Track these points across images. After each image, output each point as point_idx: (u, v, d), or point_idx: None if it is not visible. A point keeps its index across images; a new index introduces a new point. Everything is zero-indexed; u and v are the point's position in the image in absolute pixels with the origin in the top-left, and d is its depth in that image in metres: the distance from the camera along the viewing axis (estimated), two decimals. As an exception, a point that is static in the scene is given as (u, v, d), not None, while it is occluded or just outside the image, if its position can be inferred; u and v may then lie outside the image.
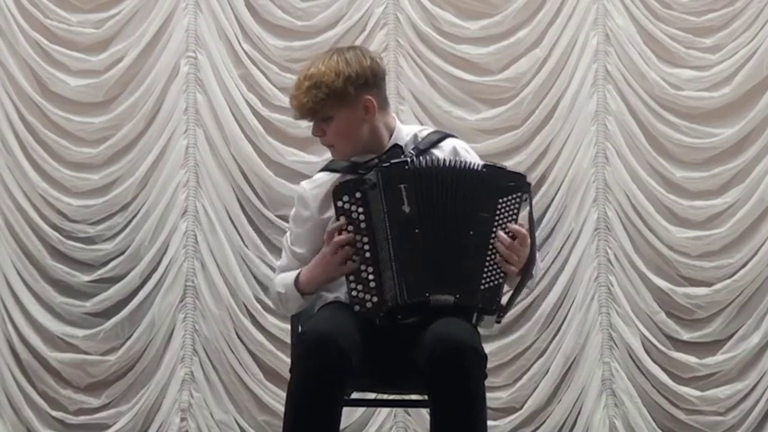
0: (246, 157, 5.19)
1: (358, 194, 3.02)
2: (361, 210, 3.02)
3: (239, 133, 5.20)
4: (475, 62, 5.27)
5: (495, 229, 3.01)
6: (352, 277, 3.01)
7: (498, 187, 3.04)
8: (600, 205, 5.21)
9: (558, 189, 5.19)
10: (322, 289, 3.18)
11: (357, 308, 2.99)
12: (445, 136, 3.23)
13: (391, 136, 3.17)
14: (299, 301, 3.18)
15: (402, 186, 3.01)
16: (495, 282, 3.01)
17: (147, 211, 5.18)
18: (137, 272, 5.15)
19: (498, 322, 3.08)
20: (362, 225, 3.02)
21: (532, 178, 5.16)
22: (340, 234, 3.02)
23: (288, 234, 3.28)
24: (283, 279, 3.21)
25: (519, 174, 3.11)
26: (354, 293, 3.00)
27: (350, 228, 3.02)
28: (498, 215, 3.02)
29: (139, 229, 5.18)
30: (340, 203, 3.03)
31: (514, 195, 3.04)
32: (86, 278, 5.17)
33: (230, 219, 5.17)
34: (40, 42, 5.23)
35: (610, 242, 5.19)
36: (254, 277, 5.13)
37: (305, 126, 5.12)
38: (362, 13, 5.24)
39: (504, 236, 3.01)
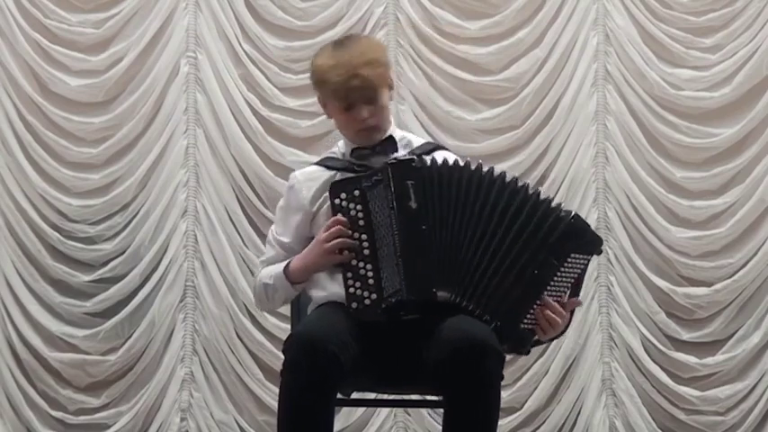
0: (246, 157, 5.19)
1: (356, 192, 2.99)
2: (359, 207, 2.99)
3: (239, 133, 5.20)
4: (475, 62, 5.27)
5: (556, 278, 2.97)
6: (349, 274, 2.96)
7: (578, 242, 2.99)
8: (600, 205, 5.21)
9: (558, 189, 5.18)
10: (314, 286, 3.14)
11: (355, 305, 2.94)
12: (436, 147, 3.24)
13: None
14: (288, 291, 3.11)
15: (409, 183, 2.99)
16: (534, 325, 2.98)
17: (147, 211, 5.18)
18: (137, 272, 5.15)
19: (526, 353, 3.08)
20: (361, 223, 2.98)
21: (532, 178, 5.17)
22: (340, 224, 2.99)
23: (273, 226, 3.25)
24: (270, 270, 3.16)
25: (599, 237, 3.07)
26: (352, 290, 2.95)
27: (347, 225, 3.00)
28: (566, 267, 2.98)
29: (139, 229, 5.18)
30: (337, 201, 3.00)
31: (587, 256, 3.01)
32: (86, 278, 5.17)
33: (230, 219, 5.17)
34: (40, 42, 5.23)
35: (610, 242, 5.18)
36: (254, 277, 5.12)
37: (305, 126, 5.22)
38: (362, 13, 5.24)
39: (554, 304, 2.96)
